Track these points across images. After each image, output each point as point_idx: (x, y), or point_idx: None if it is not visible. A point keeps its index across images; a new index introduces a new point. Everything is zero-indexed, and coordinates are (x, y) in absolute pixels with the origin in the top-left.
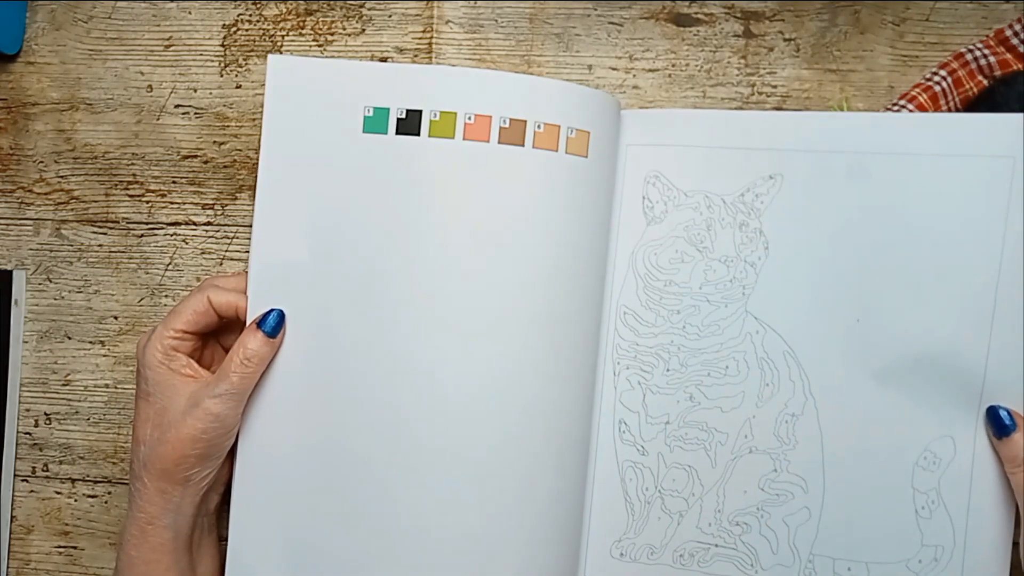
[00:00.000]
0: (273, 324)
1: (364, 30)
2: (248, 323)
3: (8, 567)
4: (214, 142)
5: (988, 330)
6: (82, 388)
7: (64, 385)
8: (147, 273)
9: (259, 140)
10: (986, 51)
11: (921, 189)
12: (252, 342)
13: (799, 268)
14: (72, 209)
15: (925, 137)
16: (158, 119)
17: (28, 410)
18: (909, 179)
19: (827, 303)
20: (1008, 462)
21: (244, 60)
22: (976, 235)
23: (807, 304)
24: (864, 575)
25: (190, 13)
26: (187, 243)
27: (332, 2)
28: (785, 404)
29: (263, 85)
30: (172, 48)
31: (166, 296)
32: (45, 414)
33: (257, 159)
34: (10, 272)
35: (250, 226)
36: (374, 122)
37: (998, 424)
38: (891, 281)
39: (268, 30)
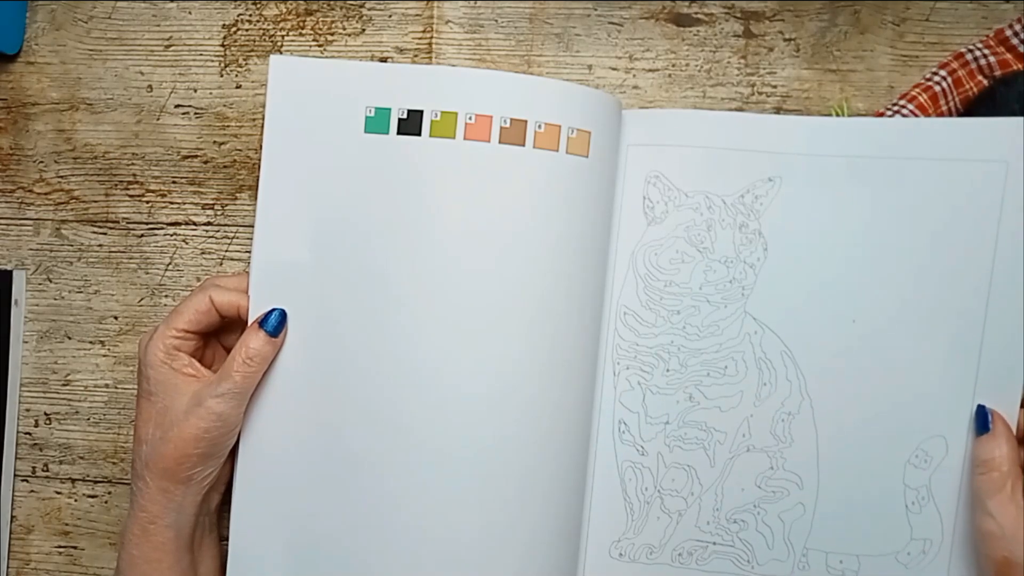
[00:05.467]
0: (275, 323)
1: (364, 30)
2: (250, 322)
3: (8, 567)
4: (214, 142)
5: (980, 332)
6: (82, 388)
7: (64, 385)
8: (147, 273)
9: (259, 140)
10: (986, 51)
11: (916, 192)
12: (254, 341)
13: (797, 269)
14: (72, 209)
15: (921, 142)
16: (158, 119)
17: (28, 410)
18: (905, 182)
19: (824, 304)
20: (973, 461)
21: (244, 60)
22: (970, 238)
23: (805, 305)
24: (855, 567)
25: (190, 13)
26: (187, 243)
27: (332, 2)
28: (782, 403)
29: (263, 85)
30: (172, 48)
31: (166, 296)
32: (45, 414)
33: (257, 159)
34: (10, 272)
35: (250, 226)
36: (375, 122)
37: (980, 422)
38: (887, 283)
39: (268, 30)
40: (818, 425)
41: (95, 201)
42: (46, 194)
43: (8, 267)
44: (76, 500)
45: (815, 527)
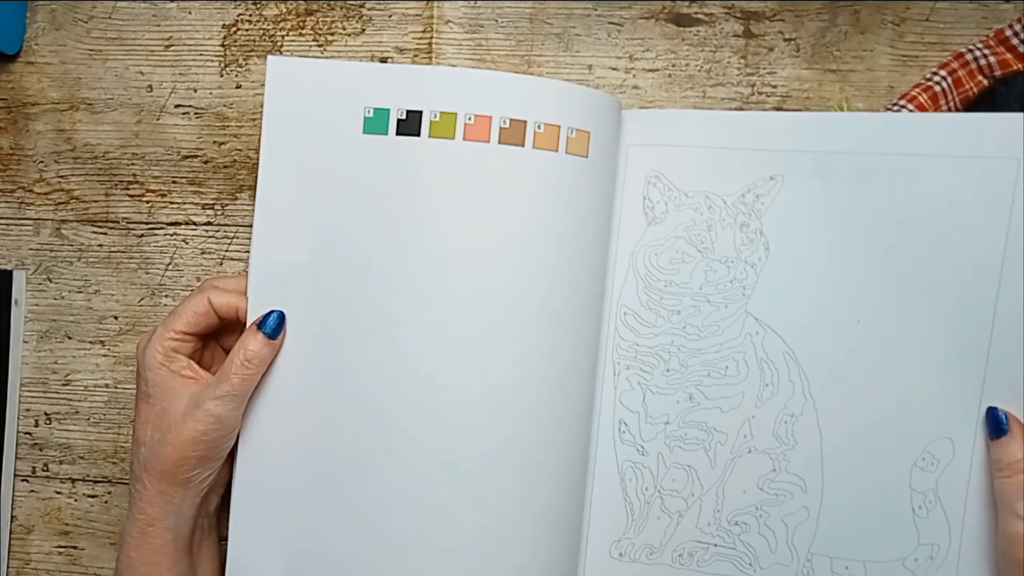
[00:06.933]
0: (273, 325)
1: (364, 30)
2: (248, 324)
3: (8, 567)
4: (214, 142)
5: (988, 332)
6: (82, 388)
7: (64, 385)
8: (147, 273)
9: (259, 140)
10: (986, 51)
11: (922, 190)
12: (252, 343)
13: (799, 269)
14: (72, 209)
15: (927, 138)
16: (158, 119)
17: (28, 410)
18: (910, 180)
19: (827, 304)
20: (994, 464)
21: (244, 60)
22: (978, 236)
23: (807, 305)
24: (861, 573)
25: (190, 13)
26: (187, 243)
27: (332, 2)
28: (784, 405)
29: (263, 85)
30: (172, 48)
31: (166, 296)
32: (45, 414)
33: (257, 159)
34: (10, 272)
35: (250, 226)
36: (374, 123)
37: (994, 425)
38: (892, 282)
39: (268, 30)
40: (822, 427)
41: (95, 201)
42: (46, 194)
43: (8, 267)
44: (76, 500)
45: (820, 532)
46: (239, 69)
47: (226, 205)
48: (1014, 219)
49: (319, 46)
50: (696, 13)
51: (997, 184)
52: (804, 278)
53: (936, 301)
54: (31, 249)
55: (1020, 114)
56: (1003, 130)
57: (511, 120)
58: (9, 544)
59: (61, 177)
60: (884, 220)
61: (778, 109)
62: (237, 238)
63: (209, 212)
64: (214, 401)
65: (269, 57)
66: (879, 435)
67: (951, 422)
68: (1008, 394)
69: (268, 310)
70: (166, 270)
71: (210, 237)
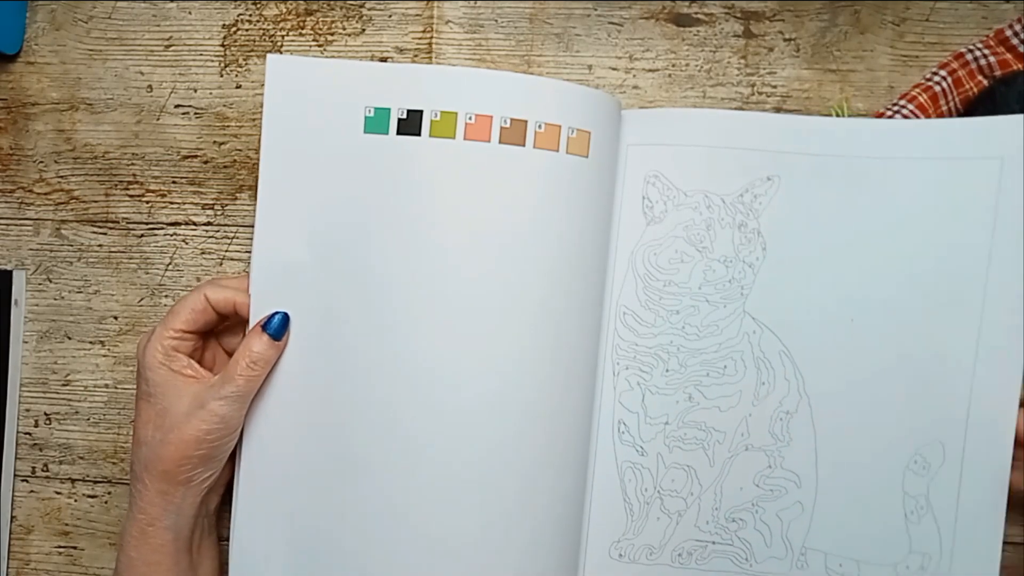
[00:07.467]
0: (278, 327)
1: (364, 30)
2: (252, 325)
3: (8, 567)
4: (214, 142)
5: (977, 332)
6: (82, 388)
7: (64, 385)
8: (147, 273)
9: (259, 140)
10: (986, 51)
11: (915, 192)
12: (257, 345)
13: (796, 269)
14: (72, 209)
15: (919, 142)
16: (158, 119)
17: (28, 410)
18: (903, 182)
19: (823, 303)
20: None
21: (244, 60)
22: (966, 236)
23: (803, 304)
24: (855, 573)
25: (190, 13)
26: (187, 243)
27: (332, 2)
28: (780, 402)
29: (263, 85)
30: (172, 48)
31: (166, 296)
32: (45, 414)
33: (257, 159)
34: (10, 272)
35: (250, 226)
36: (375, 122)
37: None
38: (885, 282)
39: (268, 30)
40: (816, 424)
41: (95, 201)
42: (46, 194)
43: (8, 267)
44: (76, 500)
45: (814, 526)
46: (239, 69)
47: (226, 205)
48: (1000, 217)
49: (319, 46)
50: (696, 13)
51: (982, 183)
52: (800, 278)
53: (927, 301)
54: (31, 249)
55: (1004, 116)
56: (988, 132)
57: (512, 120)
58: (9, 544)
59: (61, 177)
60: (878, 221)
61: (778, 109)
62: (237, 238)
63: (209, 212)
64: (219, 401)
65: (269, 56)
66: (871, 433)
67: (941, 425)
68: (996, 396)
69: (272, 311)
70: (166, 270)
71: (210, 237)
